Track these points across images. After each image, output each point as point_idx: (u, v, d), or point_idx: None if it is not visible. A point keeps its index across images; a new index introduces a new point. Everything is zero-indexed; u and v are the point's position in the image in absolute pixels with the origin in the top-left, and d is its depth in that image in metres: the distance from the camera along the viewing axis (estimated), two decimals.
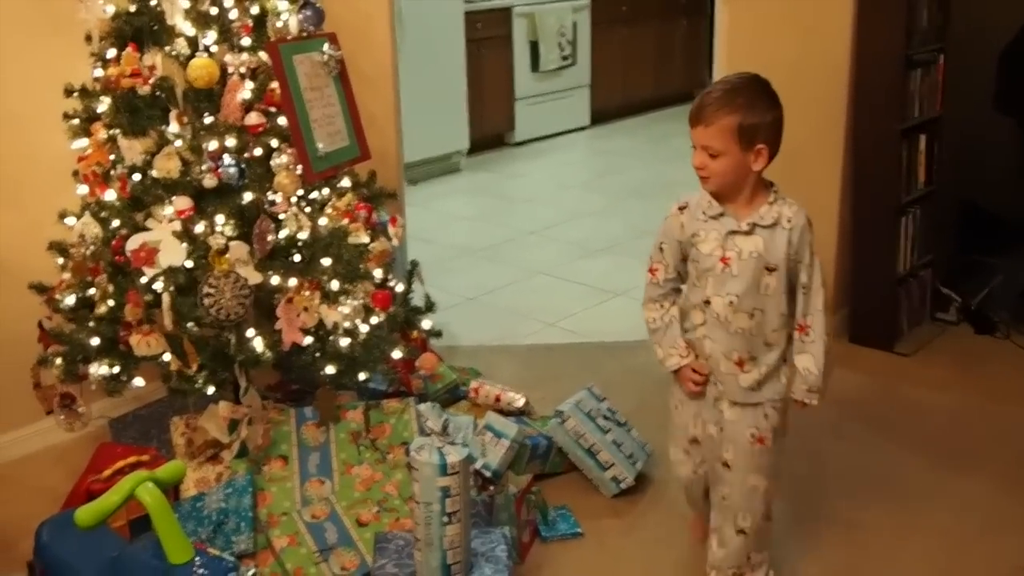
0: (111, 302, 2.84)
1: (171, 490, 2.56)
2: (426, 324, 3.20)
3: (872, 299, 4.06)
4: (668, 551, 2.85)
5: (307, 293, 2.80)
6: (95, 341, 2.82)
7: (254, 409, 2.82)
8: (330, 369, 2.86)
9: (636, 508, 3.04)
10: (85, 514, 2.18)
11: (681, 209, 2.45)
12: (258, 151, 2.83)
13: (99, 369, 2.80)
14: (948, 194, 4.24)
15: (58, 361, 2.86)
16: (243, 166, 2.78)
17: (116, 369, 2.80)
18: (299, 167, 2.86)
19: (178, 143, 2.79)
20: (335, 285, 2.85)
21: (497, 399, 3.28)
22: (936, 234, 4.22)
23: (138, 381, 2.87)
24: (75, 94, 2.98)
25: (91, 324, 2.85)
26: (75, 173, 3.07)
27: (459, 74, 6.90)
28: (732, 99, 2.30)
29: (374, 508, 2.83)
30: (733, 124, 2.28)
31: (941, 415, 3.57)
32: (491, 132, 7.43)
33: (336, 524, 2.78)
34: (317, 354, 2.86)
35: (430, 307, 3.24)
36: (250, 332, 2.76)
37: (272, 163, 2.83)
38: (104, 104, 2.86)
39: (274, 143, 2.84)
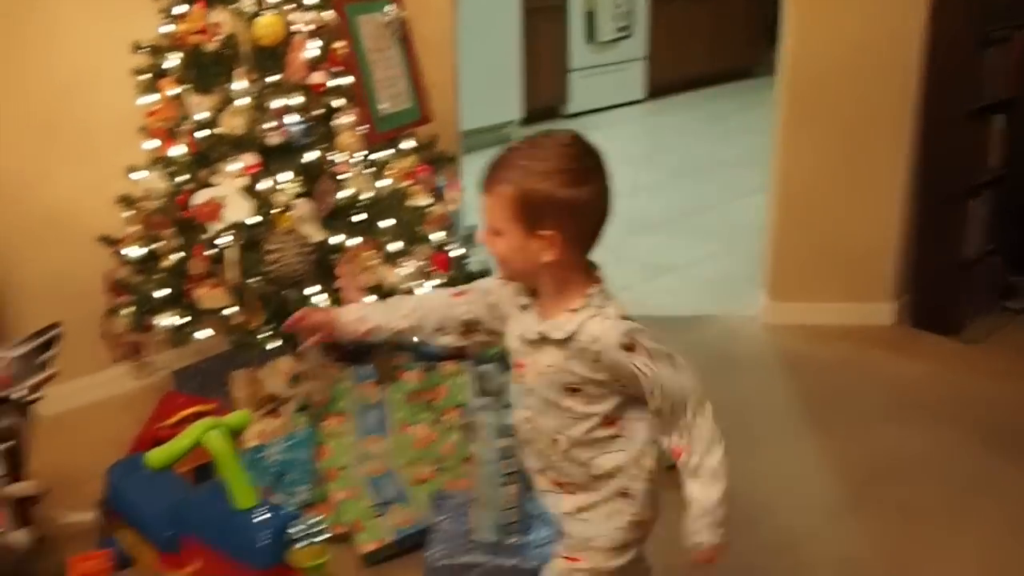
0: (177, 255, 2.89)
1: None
2: None
3: (937, 285, 3.98)
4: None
5: (368, 253, 2.83)
6: (161, 293, 2.87)
7: (315, 366, 2.87)
8: None
9: None
10: (155, 457, 2.24)
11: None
12: (322, 110, 2.85)
13: (165, 321, 2.86)
14: (1022, 176, 4.11)
15: (126, 312, 2.93)
16: (307, 125, 2.81)
17: (181, 321, 2.86)
18: (362, 127, 2.88)
19: (244, 100, 2.83)
20: (395, 246, 2.88)
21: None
22: (1008, 219, 4.11)
23: (202, 334, 2.92)
24: (143, 50, 3.02)
25: (158, 277, 2.91)
26: (143, 128, 3.13)
27: (514, 43, 6.88)
28: (517, 161, 1.76)
29: (431, 467, 2.87)
30: (510, 195, 1.74)
31: (1002, 404, 3.52)
32: (545, 103, 7.41)
33: (393, 480, 2.83)
34: None
35: (487, 273, 3.26)
36: (311, 290, 2.80)
37: (335, 123, 2.86)
38: (173, 60, 2.90)
39: (338, 103, 2.87)
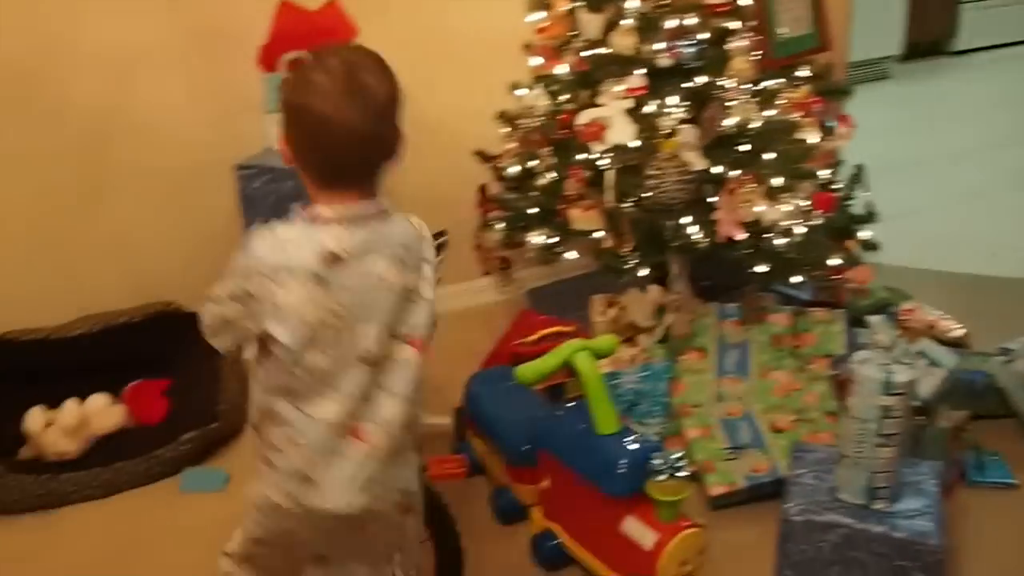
0: (553, 175, 2.88)
1: None
2: (864, 235, 3.01)
3: None
4: None
5: (749, 186, 2.70)
6: (535, 210, 2.88)
7: (682, 297, 2.79)
8: (761, 268, 2.76)
9: None
10: (525, 372, 2.25)
11: None
12: (716, 32, 2.73)
13: (536, 238, 2.87)
14: None
15: (500, 226, 2.96)
16: (700, 47, 2.69)
17: (552, 240, 2.85)
18: (757, 53, 2.73)
19: (636, 19, 2.75)
20: (778, 181, 2.72)
21: (931, 326, 3.04)
22: None
23: (570, 254, 2.91)
24: None
25: (531, 194, 2.92)
26: (527, 45, 3.13)
27: None
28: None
29: (791, 416, 2.73)
30: None
31: None
32: (929, 37, 6.82)
33: (750, 425, 2.72)
34: (750, 251, 2.76)
35: (871, 217, 3.04)
36: (687, 219, 2.71)
37: (729, 46, 2.72)
38: None
39: (733, 25, 2.73)
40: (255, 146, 3.08)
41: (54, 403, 2.83)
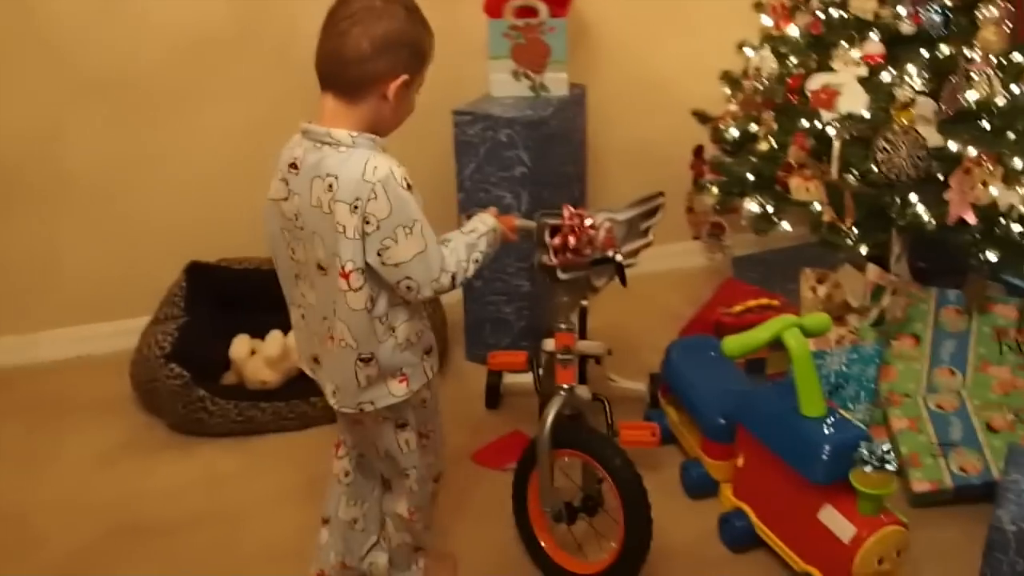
0: (773, 140, 2.78)
1: None
2: None
3: None
4: None
5: (987, 167, 2.52)
6: (752, 177, 2.79)
7: (901, 279, 2.65)
8: (992, 255, 2.57)
9: None
10: (732, 344, 2.18)
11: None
12: (964, 0, 2.55)
13: (751, 205, 2.78)
14: None
15: (714, 191, 2.89)
16: (948, 15, 2.52)
17: (768, 208, 2.76)
18: (1010, 23, 2.53)
19: None
20: (1019, 163, 2.53)
21: None
22: None
23: (786, 225, 2.80)
24: None
25: (750, 159, 2.82)
26: (758, 4, 3.02)
27: None
28: None
29: (1009, 415, 2.56)
30: None
31: None
32: None
33: (963, 421, 2.57)
34: (979, 236, 2.59)
35: None
36: (914, 197, 2.56)
37: (979, 15, 2.54)
38: None
39: None
40: (476, 91, 3.09)
41: (260, 333, 2.92)
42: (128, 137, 3.17)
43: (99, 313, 3.30)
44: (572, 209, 2.01)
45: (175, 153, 3.22)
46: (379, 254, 1.75)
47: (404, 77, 1.78)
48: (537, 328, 3.00)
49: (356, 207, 1.73)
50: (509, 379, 2.91)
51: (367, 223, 1.73)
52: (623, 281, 2.12)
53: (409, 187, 1.76)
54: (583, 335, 2.74)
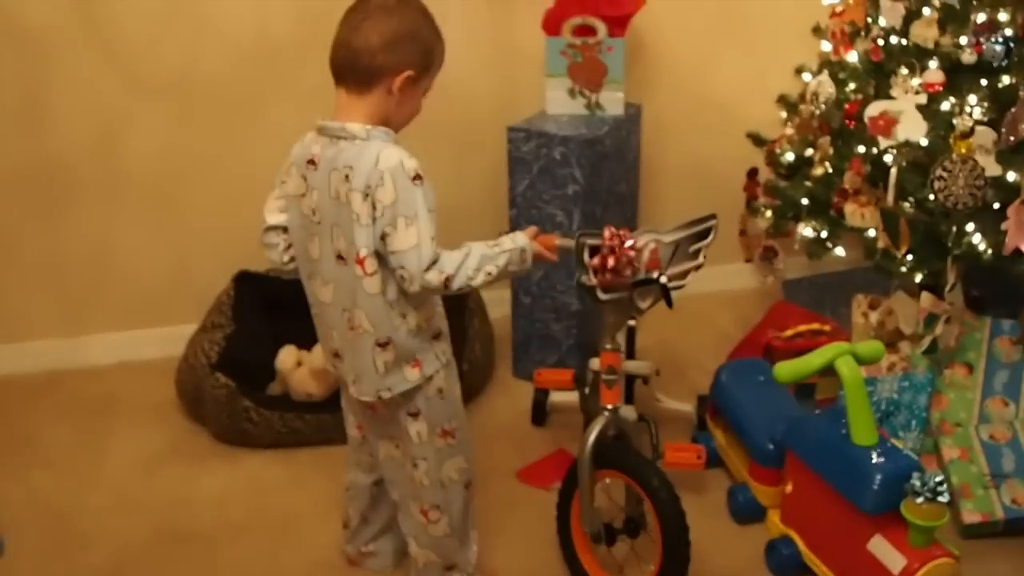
0: (829, 165, 2.76)
1: None
2: None
3: None
4: None
5: None
6: (806, 201, 2.77)
7: (955, 308, 2.62)
8: None
9: None
10: (784, 370, 2.16)
11: None
12: None
13: (805, 230, 2.76)
14: None
15: (768, 214, 2.87)
16: (1010, 45, 2.49)
17: (822, 233, 2.74)
18: None
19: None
20: None
21: None
22: None
23: (839, 250, 2.78)
24: None
25: (805, 183, 2.80)
26: (817, 29, 3.01)
27: None
28: None
29: None
30: None
31: None
32: None
33: (1016, 452, 2.53)
34: None
35: None
36: (971, 226, 2.53)
37: None
38: None
39: None
40: (531, 108, 3.09)
41: (307, 343, 2.90)
42: (186, 142, 3.20)
43: (148, 318, 3.34)
44: (613, 230, 2.00)
45: (232, 159, 3.24)
46: (382, 239, 1.83)
47: (409, 72, 1.85)
48: (585, 346, 2.99)
49: (367, 194, 1.81)
50: (556, 397, 2.91)
51: (375, 208, 1.81)
52: (669, 303, 2.10)
53: (418, 180, 1.81)
54: (631, 355, 2.74)
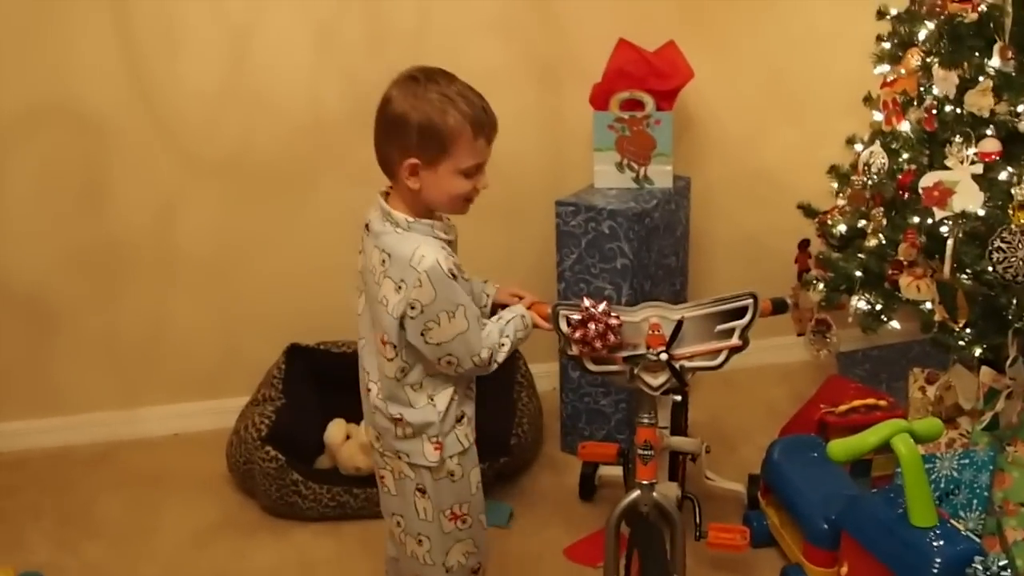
0: (883, 237, 2.72)
1: None
2: None
3: None
4: None
5: None
6: (860, 273, 2.73)
7: (1018, 383, 2.54)
8: None
9: None
10: (839, 448, 2.11)
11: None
12: None
13: (859, 302, 2.71)
14: None
15: (820, 286, 2.83)
16: None
17: (876, 306, 2.69)
18: None
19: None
20: None
21: None
22: None
23: (894, 323, 2.73)
24: (890, 16, 2.86)
25: (859, 255, 2.76)
26: (868, 99, 2.98)
27: None
28: None
29: None
30: None
31: None
32: None
33: None
34: None
35: None
36: None
37: None
38: (925, 29, 2.69)
39: None
40: (580, 182, 3.10)
41: (356, 417, 2.89)
42: (239, 219, 3.25)
43: (201, 391, 3.36)
44: (591, 300, 1.96)
45: (283, 236, 3.28)
46: (422, 335, 1.84)
47: (412, 160, 1.82)
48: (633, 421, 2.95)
49: (400, 287, 1.83)
50: (605, 471, 2.86)
51: (412, 308, 1.82)
52: (681, 382, 2.03)
53: (454, 276, 1.83)
54: (682, 431, 2.69)
